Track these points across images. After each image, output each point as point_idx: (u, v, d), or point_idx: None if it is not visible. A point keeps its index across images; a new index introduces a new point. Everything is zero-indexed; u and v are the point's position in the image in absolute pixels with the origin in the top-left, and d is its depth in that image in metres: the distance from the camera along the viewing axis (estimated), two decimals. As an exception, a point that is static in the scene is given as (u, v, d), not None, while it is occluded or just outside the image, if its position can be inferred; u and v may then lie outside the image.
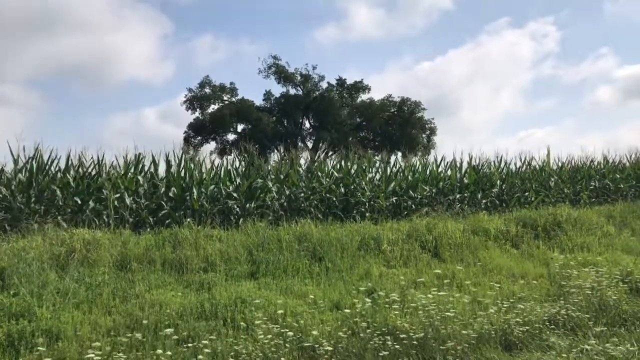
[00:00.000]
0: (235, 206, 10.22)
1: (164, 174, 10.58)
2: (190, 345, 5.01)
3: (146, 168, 10.74)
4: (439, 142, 35.50)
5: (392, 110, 35.82)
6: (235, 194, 10.37)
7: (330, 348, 5.11)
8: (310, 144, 36.02)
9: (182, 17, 53.87)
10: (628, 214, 12.26)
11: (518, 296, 6.75)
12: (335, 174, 11.95)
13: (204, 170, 11.00)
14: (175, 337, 5.13)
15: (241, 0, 54.05)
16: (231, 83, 35.78)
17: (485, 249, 9.17)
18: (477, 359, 5.26)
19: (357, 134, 35.93)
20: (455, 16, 55.34)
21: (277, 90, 37.02)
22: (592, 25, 56.49)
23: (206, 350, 4.88)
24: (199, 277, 7.08)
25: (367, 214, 11.04)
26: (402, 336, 5.35)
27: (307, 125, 37.00)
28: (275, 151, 32.91)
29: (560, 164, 15.73)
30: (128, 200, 9.42)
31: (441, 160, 14.06)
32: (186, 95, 35.32)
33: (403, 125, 35.03)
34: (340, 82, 36.11)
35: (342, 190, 11.42)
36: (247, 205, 10.27)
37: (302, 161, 12.96)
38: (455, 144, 47.86)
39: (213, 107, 35.48)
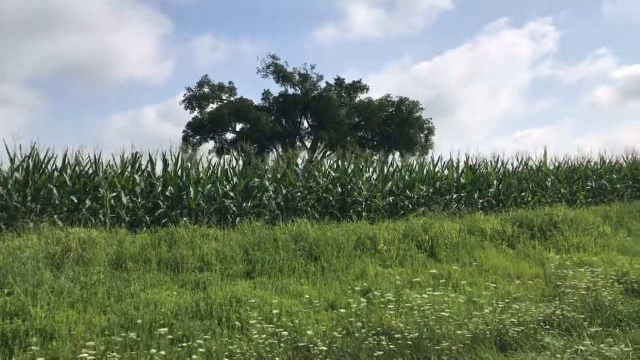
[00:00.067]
0: (232, 205, 10.21)
1: (162, 173, 10.57)
2: (185, 345, 5.00)
3: (143, 167, 10.73)
4: (437, 142, 35.48)
5: (391, 110, 35.81)
6: (232, 194, 10.36)
7: (325, 348, 5.11)
8: (308, 144, 36.03)
9: (182, 17, 53.81)
10: (624, 214, 12.28)
11: (514, 296, 6.76)
12: (333, 173, 11.95)
13: (201, 169, 10.99)
14: (170, 336, 5.12)
15: (241, 0, 54.00)
16: (230, 83, 35.77)
17: (481, 249, 9.18)
18: (472, 359, 5.26)
19: (355, 134, 35.92)
20: (455, 16, 55.33)
21: (276, 90, 37.04)
22: (591, 25, 56.55)
23: (201, 350, 4.88)
24: (195, 276, 7.08)
25: (364, 214, 11.04)
26: (397, 336, 5.36)
27: (306, 125, 37.00)
28: (274, 151, 32.94)
29: (557, 165, 15.75)
30: (125, 200, 9.41)
31: (438, 160, 14.10)
32: (185, 95, 35.29)
33: (401, 125, 35.02)
34: (339, 82, 36.11)
35: (339, 190, 11.42)
36: (244, 204, 10.27)
37: (299, 161, 12.98)
38: (453, 144, 47.96)
39: (212, 107, 35.44)
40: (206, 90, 35.27)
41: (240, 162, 11.69)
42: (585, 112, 56.80)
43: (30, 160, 9.39)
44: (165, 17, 55.14)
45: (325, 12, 55.86)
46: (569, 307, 6.38)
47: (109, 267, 7.08)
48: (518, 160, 15.19)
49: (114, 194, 9.39)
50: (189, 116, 35.37)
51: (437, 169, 13.67)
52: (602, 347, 5.18)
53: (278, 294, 6.64)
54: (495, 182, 13.55)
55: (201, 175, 10.64)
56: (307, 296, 6.47)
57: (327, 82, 35.77)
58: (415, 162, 14.13)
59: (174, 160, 10.67)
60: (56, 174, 9.61)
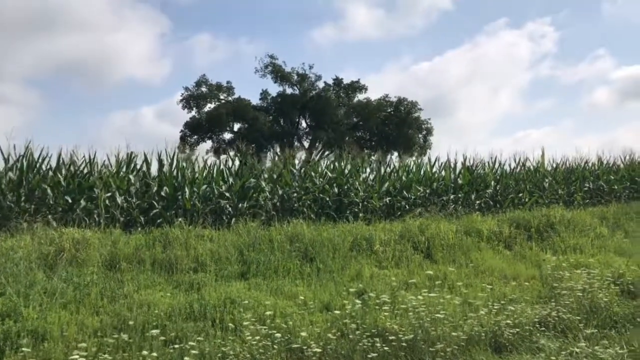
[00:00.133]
0: (227, 206, 10.17)
1: (157, 173, 10.52)
2: (177, 346, 4.96)
3: (139, 167, 10.68)
4: (436, 143, 35.52)
5: (389, 110, 35.79)
6: (227, 194, 10.32)
7: (318, 350, 5.08)
8: (306, 144, 36.02)
9: (181, 16, 53.77)
10: (621, 215, 12.28)
11: (509, 298, 6.73)
12: (329, 174, 11.90)
13: (197, 169, 10.94)
14: (162, 338, 5.08)
15: (240, 0, 53.95)
16: (228, 82, 35.74)
17: (477, 250, 9.16)
18: (466, 361, 5.24)
19: (353, 134, 35.91)
20: (454, 16, 55.35)
21: (274, 89, 37.01)
22: (590, 26, 56.62)
23: (193, 351, 4.84)
24: (189, 277, 7.03)
25: (360, 215, 11.00)
26: (391, 338, 5.33)
27: (304, 124, 36.97)
28: (272, 151, 32.91)
29: (554, 165, 15.73)
30: (119, 200, 9.36)
31: (435, 161, 14.08)
32: (182, 94, 35.26)
33: (400, 125, 35.01)
34: (337, 81, 36.08)
35: (336, 190, 11.38)
36: (240, 205, 10.23)
37: (296, 161, 12.94)
38: (453, 144, 48.06)
39: (209, 106, 35.41)
40: (204, 89, 35.22)
41: (236, 162, 11.64)
42: (584, 113, 56.92)
43: (24, 160, 9.34)
44: (164, 17, 55.15)
45: (325, 12, 55.89)
46: (565, 309, 6.36)
47: (103, 268, 7.03)
48: (515, 161, 15.19)
49: (109, 194, 9.34)
50: (186, 116, 35.37)
51: (434, 170, 13.65)
52: (596, 349, 5.17)
53: (272, 295, 6.60)
54: (492, 182, 13.54)
55: (197, 175, 10.59)
56: (302, 297, 6.43)
57: (325, 82, 35.79)
58: (412, 163, 14.09)
59: (169, 160, 10.64)
60: (50, 173, 9.56)
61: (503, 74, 57.20)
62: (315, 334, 5.41)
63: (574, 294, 6.68)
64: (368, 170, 12.89)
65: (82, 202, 9.17)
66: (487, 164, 14.44)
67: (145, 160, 10.60)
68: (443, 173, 13.50)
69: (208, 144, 35.43)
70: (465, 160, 14.09)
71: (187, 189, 9.97)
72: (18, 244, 7.10)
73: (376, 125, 35.36)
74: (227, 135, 35.68)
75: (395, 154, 33.09)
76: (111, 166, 10.35)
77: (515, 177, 14.21)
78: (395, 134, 35.03)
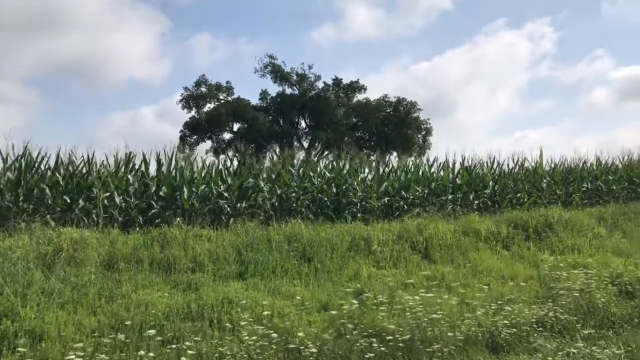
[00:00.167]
0: (226, 206, 10.17)
1: (155, 173, 10.52)
2: (174, 346, 4.96)
3: (137, 167, 10.68)
4: (435, 143, 35.55)
5: (388, 110, 35.82)
6: (226, 194, 10.32)
7: (315, 350, 5.08)
8: (306, 144, 36.03)
9: (181, 16, 53.81)
10: (619, 215, 12.27)
11: (507, 298, 6.73)
12: (327, 174, 11.90)
13: (195, 169, 10.94)
14: (159, 338, 5.08)
15: (240, 0, 53.96)
16: (227, 82, 35.77)
17: (475, 250, 9.16)
18: (463, 361, 5.24)
19: (353, 134, 35.94)
20: (454, 16, 55.39)
21: (273, 89, 37.01)
22: (589, 26, 56.64)
23: (190, 352, 4.84)
24: (187, 277, 7.04)
25: (358, 215, 11.01)
26: (388, 338, 5.33)
27: (303, 124, 37.00)
28: (271, 151, 32.91)
29: (553, 166, 15.73)
30: (118, 199, 9.36)
31: (434, 161, 14.07)
32: (182, 94, 35.28)
33: (399, 125, 35.05)
34: (337, 81, 36.11)
35: (334, 190, 11.38)
36: (238, 204, 10.23)
37: (296, 161, 12.93)
38: (452, 144, 48.19)
39: (209, 106, 35.43)
40: (203, 89, 35.24)
41: (235, 162, 11.65)
42: (583, 113, 56.96)
43: (22, 160, 9.33)
44: (164, 17, 55.17)
45: (324, 12, 55.92)
46: (562, 309, 6.37)
47: (101, 268, 7.03)
48: (514, 161, 15.19)
49: (107, 194, 9.33)
50: (186, 116, 35.39)
51: (432, 170, 13.65)
52: (594, 350, 5.18)
53: (270, 295, 6.60)
54: (490, 183, 13.54)
55: (195, 175, 10.59)
56: (299, 297, 6.44)
57: (324, 82, 35.83)
58: (410, 163, 14.09)
59: (167, 160, 10.63)
60: (49, 173, 9.56)
61: (502, 74, 57.29)
62: (313, 334, 5.41)
63: (572, 294, 6.69)
64: (367, 170, 12.88)
65: (81, 202, 9.16)
66: (485, 164, 14.46)
67: (144, 160, 10.60)
68: (441, 173, 13.51)
69: (208, 144, 35.51)
70: (463, 160, 14.12)
71: (185, 189, 9.97)
72: (16, 244, 7.10)
73: (375, 125, 35.38)
74: (227, 135, 35.75)
75: (395, 154, 33.19)
76: (109, 166, 10.35)
77: (513, 178, 14.20)
78: (394, 134, 35.06)
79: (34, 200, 8.96)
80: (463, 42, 62.87)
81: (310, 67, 35.62)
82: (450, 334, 5.52)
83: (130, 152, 10.48)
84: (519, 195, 13.59)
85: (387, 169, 13.44)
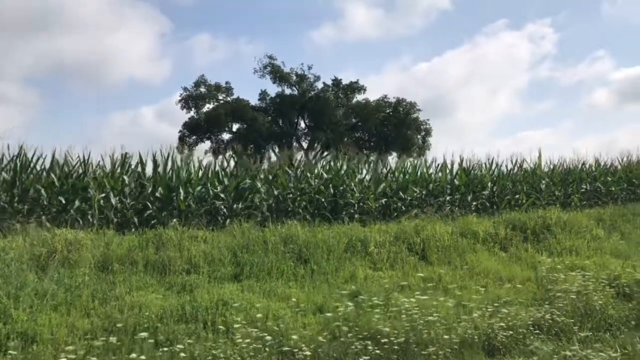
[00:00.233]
0: (222, 207, 10.13)
1: (152, 174, 10.47)
2: (167, 349, 4.92)
3: (134, 168, 10.63)
4: (435, 143, 35.51)
5: (388, 111, 35.80)
6: (222, 195, 10.27)
7: (309, 353, 5.04)
8: (305, 144, 36.01)
9: (181, 16, 53.83)
10: (618, 217, 12.22)
11: (503, 300, 6.69)
12: (325, 174, 11.86)
13: (192, 170, 10.90)
14: (151, 340, 5.04)
15: (240, 0, 53.96)
16: (226, 82, 35.74)
17: (473, 252, 9.11)
18: (459, 364, 5.20)
19: (352, 135, 35.91)
20: (454, 17, 55.32)
21: (273, 90, 36.97)
22: (589, 27, 56.57)
23: (183, 354, 4.80)
24: (182, 278, 7.00)
25: (355, 216, 10.96)
26: (383, 340, 5.29)
27: (303, 125, 36.98)
28: (270, 151, 32.88)
29: (551, 167, 15.69)
30: (113, 200, 9.32)
31: (432, 162, 14.03)
32: (181, 95, 35.25)
33: (398, 126, 35.03)
34: (336, 82, 36.10)
35: (332, 191, 11.33)
36: (235, 206, 10.19)
37: (295, 161, 12.88)
38: (452, 145, 48.13)
39: (208, 107, 35.40)
40: (202, 90, 35.22)
41: (232, 163, 11.61)
42: (584, 114, 56.88)
43: (17, 160, 9.29)
44: (164, 17, 55.20)
45: (324, 12, 55.88)
46: (559, 311, 6.33)
47: (95, 269, 6.99)
48: (512, 162, 15.14)
49: (103, 195, 9.29)
50: (185, 116, 35.35)
51: (430, 171, 13.61)
52: (589, 353, 5.14)
53: (265, 297, 6.57)
54: (489, 184, 13.48)
55: (192, 176, 10.54)
56: (294, 299, 6.40)
57: (324, 83, 35.81)
58: (408, 164, 14.03)
59: (164, 161, 10.59)
60: (44, 174, 9.52)
61: (502, 75, 57.24)
62: (307, 337, 5.38)
63: (569, 297, 6.65)
64: (364, 171, 12.83)
65: (76, 203, 9.12)
66: (484, 165, 14.40)
67: (140, 160, 10.56)
68: (439, 174, 13.46)
69: (207, 144, 35.48)
70: (461, 161, 14.06)
71: (181, 190, 9.93)
72: (10, 245, 7.06)
73: (375, 126, 35.36)
74: (226, 136, 35.72)
75: (394, 154, 33.15)
76: (105, 167, 10.30)
77: (512, 179, 14.14)
78: (394, 135, 35.04)
79: (29, 201, 8.93)
80: (463, 43, 62.85)
81: (309, 68, 35.64)
82: (446, 336, 5.48)
83: (126, 153, 10.45)
84: (517, 196, 13.55)
85: (385, 169, 13.39)
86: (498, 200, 13.23)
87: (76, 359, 4.61)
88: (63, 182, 9.42)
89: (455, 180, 13.16)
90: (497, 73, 57.62)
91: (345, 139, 33.13)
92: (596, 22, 56.07)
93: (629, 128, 53.79)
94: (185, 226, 8.72)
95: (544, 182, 14.37)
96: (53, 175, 9.41)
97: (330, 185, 11.40)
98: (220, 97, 35.51)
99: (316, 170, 11.99)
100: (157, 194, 9.89)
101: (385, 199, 11.78)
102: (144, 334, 5.06)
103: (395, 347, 5.25)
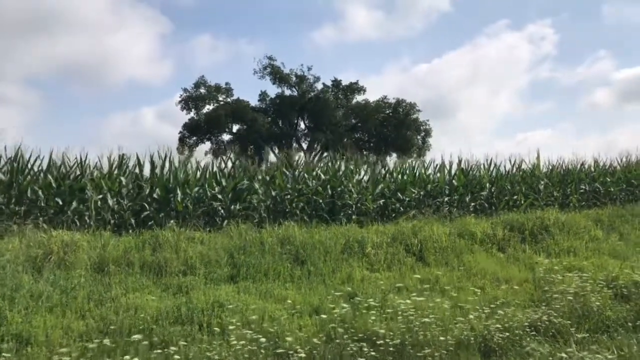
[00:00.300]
0: (220, 208, 10.11)
1: (149, 175, 10.45)
2: (160, 351, 4.91)
3: (132, 169, 10.62)
4: (436, 144, 35.59)
5: (387, 111, 35.83)
6: (220, 196, 10.26)
7: (304, 355, 5.03)
8: (305, 145, 36.02)
9: (182, 17, 53.93)
10: (616, 218, 12.18)
11: (500, 301, 6.67)
12: (322, 175, 11.83)
13: (190, 171, 10.88)
14: (145, 342, 5.02)
15: (240, 0, 54.02)
16: (226, 83, 35.84)
17: (470, 253, 9.09)
18: (455, 365, 5.19)
19: (352, 135, 35.94)
20: (454, 18, 55.48)
21: (273, 91, 37.01)
22: (590, 28, 56.64)
23: (177, 356, 4.79)
24: (178, 280, 6.98)
25: (353, 217, 10.93)
26: (379, 342, 5.28)
27: (302, 126, 37.01)
28: (269, 152, 32.87)
29: (550, 167, 15.64)
30: (111, 202, 9.30)
31: (430, 163, 14.00)
32: (181, 96, 35.29)
33: (398, 126, 35.05)
34: (336, 83, 36.13)
35: (329, 192, 11.31)
36: (232, 207, 10.17)
37: (294, 162, 12.85)
38: (453, 146, 48.07)
39: (208, 108, 35.44)
40: (202, 91, 35.28)
41: (229, 164, 11.59)
42: (584, 115, 56.93)
43: (14, 162, 9.28)
44: (165, 18, 55.31)
45: (324, 13, 56.03)
46: (556, 313, 6.31)
47: (91, 271, 6.97)
48: (511, 163, 15.10)
49: (100, 196, 9.28)
50: (185, 117, 35.39)
51: (429, 172, 13.58)
52: (585, 355, 5.12)
53: (261, 299, 6.55)
54: (487, 184, 13.45)
55: (189, 177, 10.52)
56: (290, 301, 6.38)
57: (323, 84, 35.87)
58: (406, 164, 14.00)
59: (161, 162, 10.57)
60: (41, 175, 9.50)
61: (503, 75, 57.28)
62: (303, 339, 5.36)
63: (566, 298, 6.63)
64: (362, 172, 12.80)
65: (74, 204, 9.10)
66: (482, 166, 14.36)
67: (138, 162, 10.55)
68: (438, 175, 13.43)
69: (207, 145, 35.53)
70: (460, 162, 14.02)
71: (179, 191, 9.91)
72: (6, 247, 7.05)
73: (375, 126, 35.39)
74: (226, 137, 35.75)
75: (394, 155, 33.15)
76: (103, 168, 10.29)
77: (510, 180, 14.10)
78: (393, 136, 35.07)
79: (26, 203, 8.90)
80: (463, 44, 63.01)
81: (309, 69, 35.70)
82: (442, 338, 5.46)
83: (123, 154, 10.43)
84: (515, 197, 13.51)
85: (383, 170, 13.36)
86: (496, 201, 13.20)
87: (70, 360, 4.60)
88: (60, 183, 9.40)
89: (453, 181, 13.14)
90: (498, 74, 57.73)
91: (345, 140, 33.14)
92: (597, 23, 56.17)
93: (630, 128, 53.81)
94: (183, 227, 8.71)
95: (542, 182, 14.33)
96: (50, 177, 9.40)
97: (328, 186, 11.38)
98: (220, 98, 35.58)
99: (314, 172, 11.96)
100: (155, 195, 9.87)
101: (383, 200, 11.76)
102: (137, 336, 5.04)
103: (391, 348, 5.24)
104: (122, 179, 9.89)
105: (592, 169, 16.10)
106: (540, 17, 59.76)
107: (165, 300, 6.28)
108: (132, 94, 52.35)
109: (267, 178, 11.13)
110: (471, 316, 6.05)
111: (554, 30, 57.47)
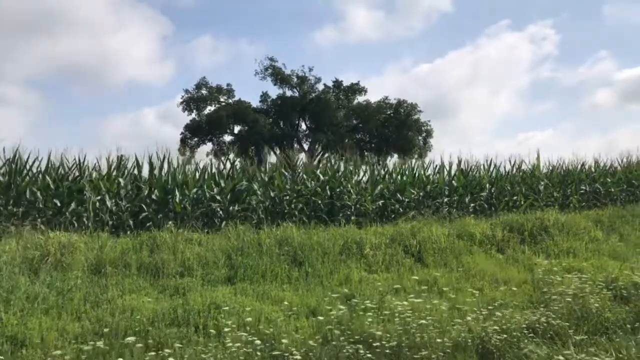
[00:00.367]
0: (218, 209, 10.09)
1: (148, 176, 10.45)
2: (154, 353, 4.88)
3: (130, 170, 10.61)
4: (437, 145, 35.54)
5: (389, 112, 35.80)
6: (219, 197, 10.24)
7: (300, 357, 4.99)
8: (306, 146, 36.00)
9: (181, 17, 54.00)
10: (617, 218, 12.13)
11: (498, 303, 6.63)
12: (321, 176, 11.81)
13: (188, 172, 10.87)
14: (140, 344, 5.00)
15: (241, 1, 54.08)
16: (228, 84, 35.86)
17: (469, 254, 9.05)
18: (452, 368, 5.15)
19: (353, 136, 35.91)
20: (455, 18, 55.38)
21: (274, 92, 37.03)
22: (591, 28, 56.52)
23: (171, 359, 4.76)
24: (175, 281, 6.96)
25: (352, 218, 10.90)
26: (375, 344, 5.24)
27: (304, 127, 36.99)
28: (271, 153, 32.87)
29: (550, 168, 15.60)
30: (109, 203, 9.29)
31: (429, 163, 13.98)
32: (183, 97, 35.32)
33: (399, 127, 35.02)
34: (337, 84, 36.11)
35: (328, 193, 11.29)
36: (231, 208, 10.15)
37: (295, 163, 12.83)
38: (454, 146, 48.04)
39: (209, 109, 35.46)
40: (204, 92, 35.31)
41: (227, 165, 11.58)
42: (586, 115, 56.81)
43: (12, 163, 9.28)
44: (166, 19, 55.39)
45: (325, 14, 56.03)
46: (555, 314, 6.26)
47: (88, 272, 6.96)
48: (511, 164, 15.06)
49: (98, 197, 9.27)
50: (186, 118, 35.41)
51: (428, 172, 13.54)
52: (583, 357, 5.07)
53: (259, 300, 6.52)
54: (487, 185, 13.41)
55: (188, 178, 10.51)
56: (287, 302, 6.35)
57: (324, 84, 35.85)
58: (405, 165, 13.97)
59: (160, 163, 10.56)
60: (40, 176, 9.50)
61: (504, 76, 57.20)
62: (299, 341, 5.33)
63: (564, 299, 6.58)
64: (362, 173, 12.78)
65: (72, 206, 9.10)
66: (482, 167, 14.33)
67: (137, 163, 10.55)
68: (438, 176, 13.39)
69: (208, 146, 35.54)
70: (460, 162, 13.99)
71: (177, 192, 9.90)
72: (3, 248, 7.04)
73: (376, 127, 35.36)
74: (228, 138, 35.76)
75: (395, 156, 33.11)
76: (101, 169, 10.29)
77: (510, 180, 14.07)
78: (394, 136, 35.03)
79: (25, 204, 8.90)
80: (464, 44, 62.94)
81: (310, 70, 35.70)
82: (439, 339, 5.41)
83: (122, 155, 10.43)
84: (515, 198, 13.47)
85: (382, 171, 13.33)
86: (496, 202, 13.16)
87: (64, 363, 4.58)
88: (59, 184, 9.40)
89: (453, 181, 13.11)
90: (498, 74, 57.65)
91: (346, 141, 33.11)
92: (598, 23, 56.06)
93: (631, 128, 53.70)
94: (181, 229, 8.69)
95: (542, 183, 14.29)
96: (49, 178, 9.40)
97: (327, 187, 11.35)
98: (221, 99, 35.61)
99: (313, 172, 11.94)
100: (153, 197, 9.87)
101: (382, 201, 11.73)
102: (131, 339, 5.01)
103: (387, 350, 5.19)
104: (121, 180, 9.89)
105: (593, 169, 16.06)
106: (541, 18, 59.73)
107: (162, 302, 6.26)
108: (132, 94, 52.45)
109: (266, 179, 11.11)
110: (469, 318, 6.00)
111: (555, 30, 57.44)
